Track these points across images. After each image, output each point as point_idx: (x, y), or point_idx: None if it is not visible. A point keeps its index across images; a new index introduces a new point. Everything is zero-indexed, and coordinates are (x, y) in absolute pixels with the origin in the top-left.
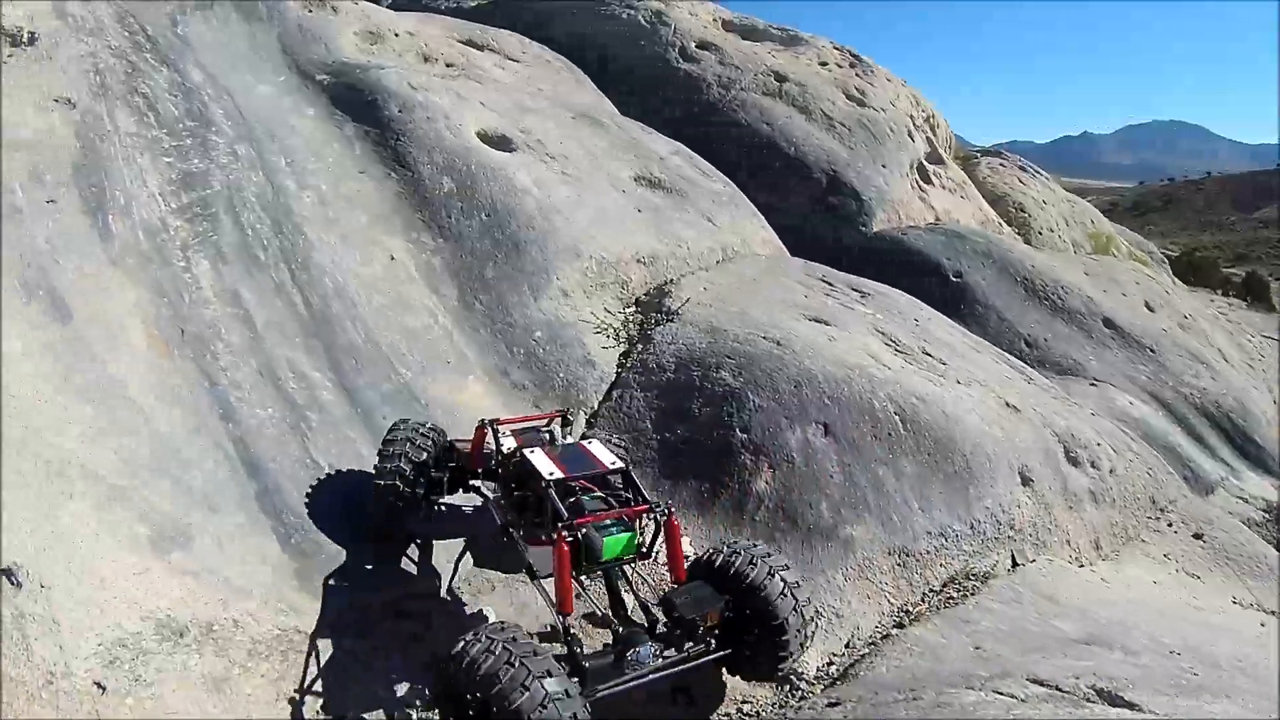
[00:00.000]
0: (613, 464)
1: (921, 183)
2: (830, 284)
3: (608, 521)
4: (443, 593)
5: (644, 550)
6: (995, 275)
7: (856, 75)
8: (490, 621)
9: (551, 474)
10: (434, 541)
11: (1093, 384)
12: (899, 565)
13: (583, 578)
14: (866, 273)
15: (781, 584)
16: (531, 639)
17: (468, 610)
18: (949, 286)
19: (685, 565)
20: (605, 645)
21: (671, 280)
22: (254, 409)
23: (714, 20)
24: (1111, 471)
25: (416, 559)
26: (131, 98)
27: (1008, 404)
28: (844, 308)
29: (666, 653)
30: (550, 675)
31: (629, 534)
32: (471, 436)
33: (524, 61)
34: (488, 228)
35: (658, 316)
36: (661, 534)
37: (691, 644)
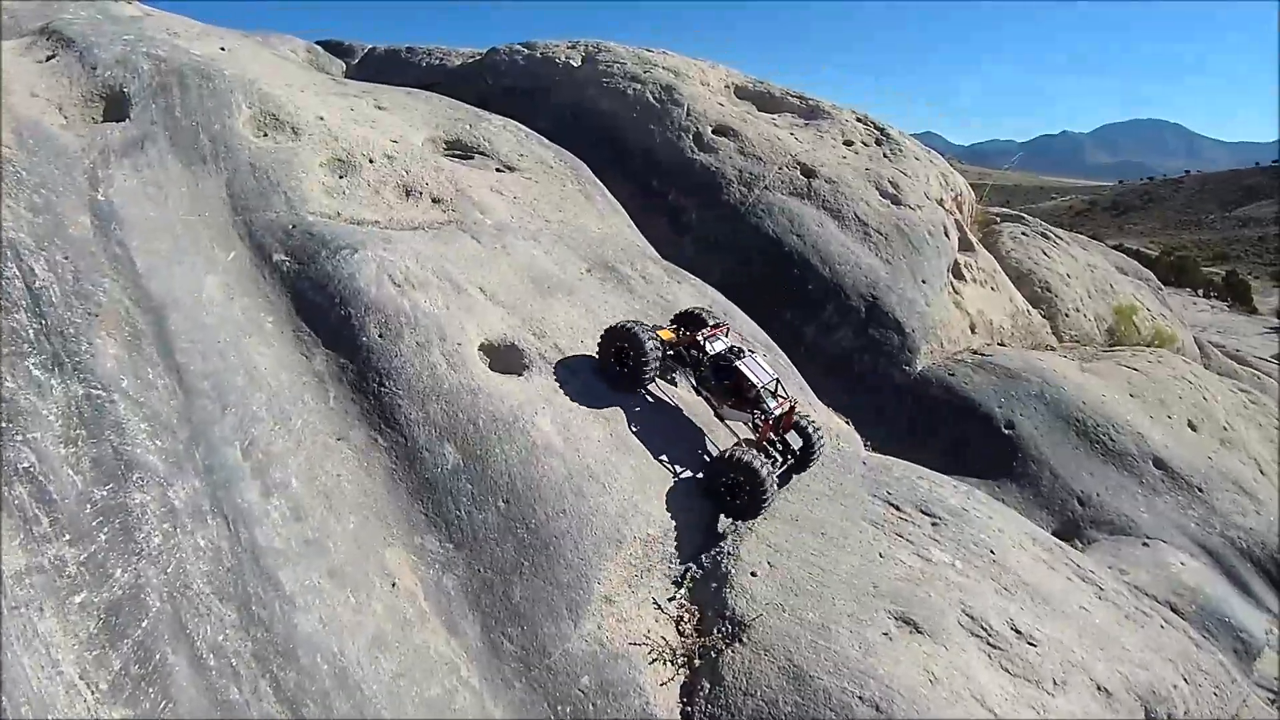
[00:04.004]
0: (774, 373)
1: (955, 281)
2: (898, 508)
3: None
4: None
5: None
6: (1047, 422)
7: (885, 157)
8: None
9: (760, 380)
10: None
11: (1145, 544)
12: None
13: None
14: (918, 429)
15: (817, 435)
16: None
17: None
18: (1000, 440)
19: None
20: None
21: (725, 536)
22: None
23: (727, 87)
24: (1186, 713)
25: None
26: (12, 488)
27: (1100, 688)
28: (923, 561)
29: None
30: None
31: (780, 411)
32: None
33: (521, 169)
34: (509, 522)
35: (722, 627)
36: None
37: (785, 459)
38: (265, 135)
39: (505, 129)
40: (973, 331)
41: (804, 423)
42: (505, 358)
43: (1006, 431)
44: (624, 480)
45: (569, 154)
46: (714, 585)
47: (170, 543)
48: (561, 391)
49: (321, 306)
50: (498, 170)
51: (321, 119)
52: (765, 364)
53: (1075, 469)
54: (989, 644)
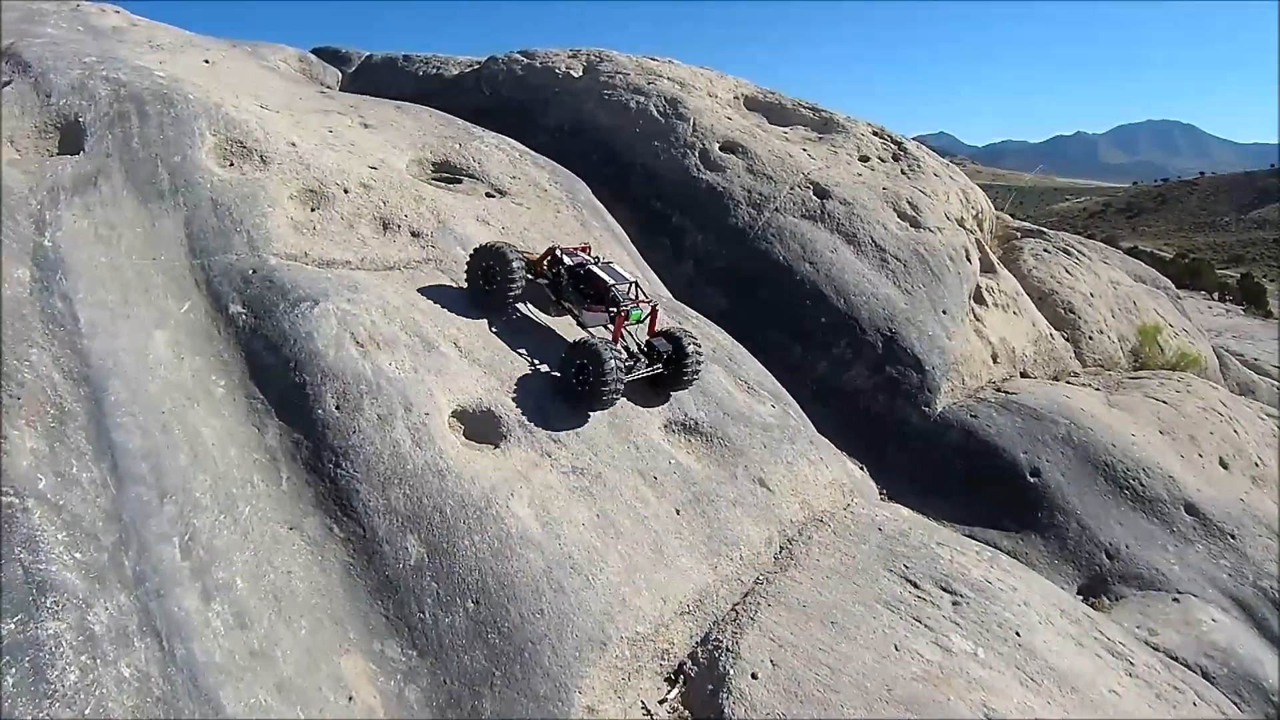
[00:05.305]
0: (631, 277)
1: (976, 308)
2: (917, 585)
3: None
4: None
5: (644, 320)
6: (1075, 468)
7: (903, 174)
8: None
9: (612, 281)
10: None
11: (1175, 599)
12: None
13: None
14: (937, 476)
15: (693, 346)
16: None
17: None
18: (1025, 489)
19: (656, 329)
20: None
21: (724, 628)
22: None
23: (736, 98)
24: None
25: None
26: None
27: None
28: (943, 652)
29: (649, 366)
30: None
31: (639, 311)
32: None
33: (513, 193)
34: (479, 625)
35: None
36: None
37: (653, 364)
38: (231, 165)
39: (498, 148)
40: (995, 361)
41: (674, 329)
42: (480, 425)
43: (1031, 480)
44: (610, 570)
45: (566, 174)
46: (709, 688)
47: (88, 678)
48: (542, 465)
49: (276, 370)
50: (487, 194)
51: (293, 145)
52: (623, 271)
53: (1104, 518)
54: None
